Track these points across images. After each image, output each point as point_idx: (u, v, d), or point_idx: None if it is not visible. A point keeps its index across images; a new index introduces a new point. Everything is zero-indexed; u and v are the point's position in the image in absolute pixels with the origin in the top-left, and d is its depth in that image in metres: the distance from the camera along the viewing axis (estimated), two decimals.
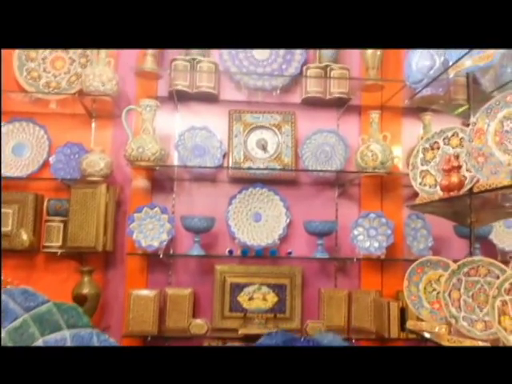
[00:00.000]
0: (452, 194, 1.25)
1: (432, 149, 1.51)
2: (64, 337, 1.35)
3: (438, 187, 1.42)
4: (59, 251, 2.19)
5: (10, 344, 1.29)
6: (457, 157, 1.30)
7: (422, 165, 1.52)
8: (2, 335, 1.30)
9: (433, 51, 1.44)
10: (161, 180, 2.41)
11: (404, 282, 1.59)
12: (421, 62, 1.45)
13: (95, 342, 1.33)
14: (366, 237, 2.20)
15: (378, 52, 2.23)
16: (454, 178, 1.24)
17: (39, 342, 1.31)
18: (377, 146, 2.11)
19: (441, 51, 1.43)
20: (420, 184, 1.51)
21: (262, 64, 2.45)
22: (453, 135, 1.47)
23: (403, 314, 2.04)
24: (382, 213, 2.23)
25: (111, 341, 1.43)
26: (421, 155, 1.53)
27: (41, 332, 1.37)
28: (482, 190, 1.12)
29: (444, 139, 1.49)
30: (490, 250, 2.24)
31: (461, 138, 1.44)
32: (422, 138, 2.21)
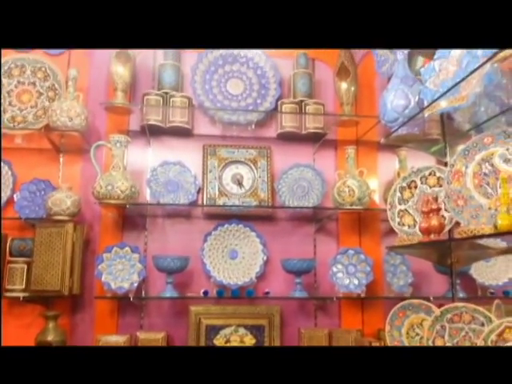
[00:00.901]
0: (432, 237, 1.22)
1: (409, 187, 1.49)
2: None
3: (417, 228, 1.38)
4: (21, 296, 2.05)
5: None
6: (435, 199, 1.27)
7: (400, 204, 1.49)
8: None
9: (407, 90, 1.43)
10: (132, 217, 2.31)
11: (386, 326, 1.53)
12: (396, 101, 1.44)
13: None
14: (346, 274, 2.14)
15: (352, 88, 2.24)
16: (434, 221, 1.21)
17: None
18: (353, 182, 2.08)
19: (415, 91, 1.43)
20: (398, 224, 1.47)
21: (237, 98, 2.42)
22: (430, 174, 1.45)
23: None
24: (361, 249, 2.19)
25: None
26: (398, 194, 1.50)
27: None
28: (463, 237, 1.09)
29: (421, 178, 1.47)
30: (470, 284, 2.22)
31: (438, 177, 1.42)
32: (398, 173, 2.21)
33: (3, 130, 2.26)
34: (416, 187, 1.47)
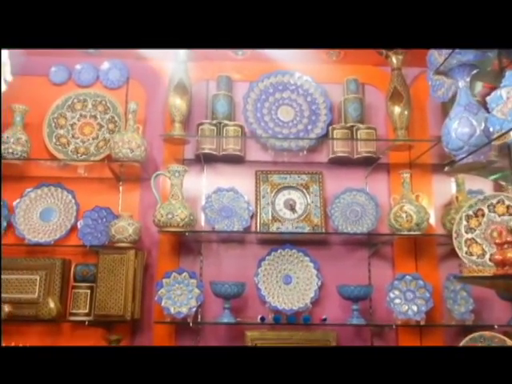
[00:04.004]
0: (508, 269, 1.19)
1: (476, 216, 1.46)
2: None
3: (488, 258, 1.36)
4: (86, 320, 2.13)
5: None
6: (510, 231, 1.25)
7: (467, 233, 1.47)
8: None
9: (471, 118, 1.43)
10: (188, 242, 2.38)
11: None
12: (460, 129, 1.43)
13: None
14: (404, 300, 2.11)
15: (406, 112, 2.23)
16: (510, 254, 1.19)
17: None
18: (411, 207, 2.06)
19: (480, 118, 1.42)
20: (466, 253, 1.45)
21: (288, 125, 2.47)
22: (498, 202, 1.43)
23: None
24: (419, 275, 2.15)
25: None
26: (464, 222, 1.48)
27: None
28: None
29: (489, 206, 1.44)
30: None
31: (507, 206, 1.40)
32: (456, 198, 2.18)
33: (68, 162, 2.40)
34: (483, 215, 1.45)
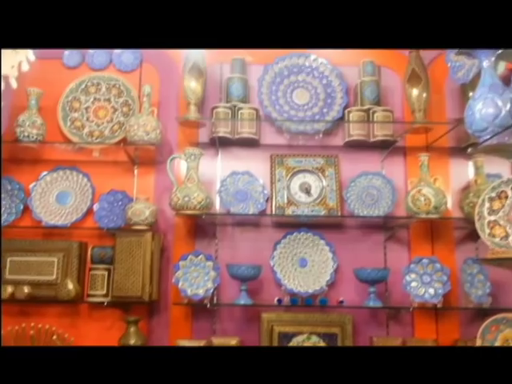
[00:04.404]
0: None
1: (499, 198, 1.45)
2: None
3: (511, 240, 1.35)
4: (105, 301, 2.16)
5: None
6: None
7: (490, 215, 1.46)
8: None
9: (496, 99, 1.41)
10: (203, 226, 2.38)
11: (477, 340, 1.50)
12: (484, 110, 1.41)
13: None
14: (420, 283, 2.11)
15: (424, 94, 2.20)
16: None
17: None
18: (429, 190, 2.05)
19: (505, 99, 1.40)
20: (489, 235, 1.44)
21: (303, 108, 2.45)
22: None
23: None
24: (436, 258, 2.14)
25: None
26: (487, 204, 1.47)
27: None
28: None
29: None
30: None
31: None
32: (475, 181, 2.16)
33: (84, 145, 2.41)
34: (507, 197, 1.44)
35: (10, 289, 2.14)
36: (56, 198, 2.42)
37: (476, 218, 1.47)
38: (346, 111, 2.37)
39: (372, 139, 2.34)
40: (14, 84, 1.70)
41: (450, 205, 2.31)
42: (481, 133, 1.43)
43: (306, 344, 2.17)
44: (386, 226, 2.36)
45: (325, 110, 2.43)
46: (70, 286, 2.14)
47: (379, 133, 2.31)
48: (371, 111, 2.33)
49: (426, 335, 2.20)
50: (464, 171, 2.33)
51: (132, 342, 2.10)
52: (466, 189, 2.29)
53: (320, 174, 2.38)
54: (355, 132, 2.34)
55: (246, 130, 2.36)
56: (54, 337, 2.17)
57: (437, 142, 2.30)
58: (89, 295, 2.23)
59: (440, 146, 2.31)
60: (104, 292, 2.22)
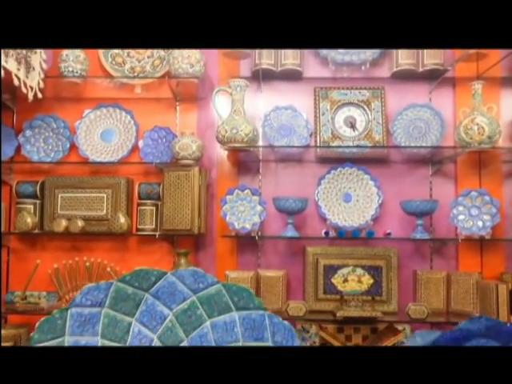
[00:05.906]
0: None
1: None
2: (233, 319, 1.32)
3: None
4: (156, 234, 2.22)
5: (177, 326, 1.30)
6: None
7: None
8: (170, 317, 1.32)
9: None
10: (246, 161, 2.39)
11: None
12: None
13: (267, 325, 1.31)
14: (468, 216, 2.10)
15: None
16: None
17: (207, 324, 1.32)
18: (483, 119, 1.98)
19: None
20: None
21: None
22: None
23: None
24: (486, 190, 2.11)
25: (285, 323, 1.37)
26: None
27: (209, 314, 1.35)
28: None
29: None
30: None
31: None
32: None
33: (123, 80, 2.39)
34: None
35: (64, 223, 2.22)
36: (101, 136, 2.44)
37: None
38: None
39: (421, 69, 2.24)
40: None
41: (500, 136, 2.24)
42: None
43: (351, 276, 2.22)
44: (432, 160, 2.32)
45: None
46: (122, 219, 2.20)
47: (429, 61, 2.22)
48: None
49: (470, 268, 2.21)
50: None
51: None
52: None
53: (365, 107, 2.32)
54: (403, 61, 2.25)
55: (289, 62, 2.29)
56: (108, 269, 2.27)
57: (487, 72, 2.19)
58: (138, 229, 2.30)
59: (491, 75, 2.20)
60: (153, 226, 2.29)
